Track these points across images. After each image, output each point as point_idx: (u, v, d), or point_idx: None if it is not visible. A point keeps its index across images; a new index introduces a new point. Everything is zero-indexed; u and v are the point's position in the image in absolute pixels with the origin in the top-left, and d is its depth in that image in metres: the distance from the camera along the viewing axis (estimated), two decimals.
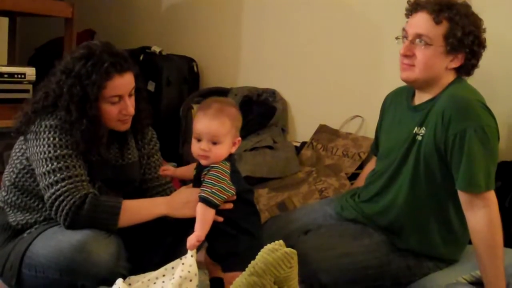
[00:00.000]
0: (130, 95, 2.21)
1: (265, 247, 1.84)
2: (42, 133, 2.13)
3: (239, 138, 2.16)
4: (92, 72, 2.10)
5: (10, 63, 3.70)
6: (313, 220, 2.54)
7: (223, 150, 2.09)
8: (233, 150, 2.15)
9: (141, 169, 2.40)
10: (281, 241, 1.87)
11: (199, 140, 2.09)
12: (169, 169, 2.37)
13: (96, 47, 2.17)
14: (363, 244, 2.34)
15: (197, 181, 2.15)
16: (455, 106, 2.18)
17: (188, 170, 2.29)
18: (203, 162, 2.11)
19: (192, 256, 1.96)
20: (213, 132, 2.07)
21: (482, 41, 2.28)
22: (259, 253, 1.83)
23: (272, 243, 1.85)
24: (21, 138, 2.23)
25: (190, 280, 1.92)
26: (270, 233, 2.48)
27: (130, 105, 2.20)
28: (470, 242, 2.24)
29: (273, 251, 1.82)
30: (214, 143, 2.07)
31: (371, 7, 3.35)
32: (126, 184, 2.33)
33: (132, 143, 2.36)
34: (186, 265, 1.94)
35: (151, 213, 2.14)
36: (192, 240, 1.98)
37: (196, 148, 2.10)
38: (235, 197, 2.11)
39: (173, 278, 1.93)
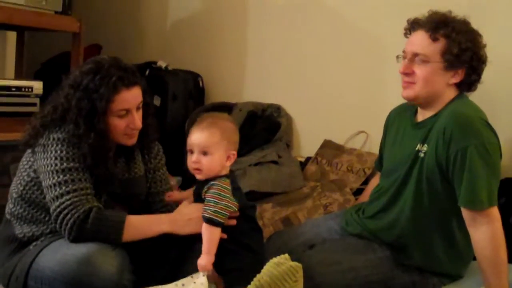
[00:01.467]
0: (137, 109, 2.23)
1: (270, 260, 1.85)
2: (50, 146, 2.14)
3: (234, 153, 2.17)
4: (100, 86, 2.12)
5: (18, 76, 3.73)
6: (318, 235, 2.54)
7: (213, 162, 2.11)
8: (228, 164, 2.16)
9: (147, 183, 2.41)
10: (286, 255, 1.87)
11: (191, 152, 2.13)
12: (174, 195, 2.38)
13: (104, 61, 2.19)
14: (367, 259, 2.34)
15: (197, 197, 2.17)
16: (456, 123, 2.19)
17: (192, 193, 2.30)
18: (198, 176, 2.13)
19: (204, 275, 1.98)
20: (202, 143, 2.10)
21: (481, 56, 2.29)
22: (265, 267, 1.84)
23: (278, 256, 1.85)
24: (29, 151, 2.25)
25: None
26: (275, 247, 2.49)
27: (137, 119, 2.22)
28: (475, 258, 2.24)
29: (279, 265, 1.83)
30: (204, 154, 2.10)
31: (376, 24, 3.36)
32: (132, 198, 2.34)
33: (139, 157, 2.37)
34: (198, 284, 1.95)
35: (155, 230, 2.14)
36: (203, 266, 2.00)
37: (189, 161, 2.14)
38: (238, 213, 2.11)
39: None
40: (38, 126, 2.20)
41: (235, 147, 2.18)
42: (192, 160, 2.12)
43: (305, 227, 2.67)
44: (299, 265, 1.85)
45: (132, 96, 2.19)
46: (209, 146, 2.10)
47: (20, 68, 3.89)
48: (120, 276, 2.03)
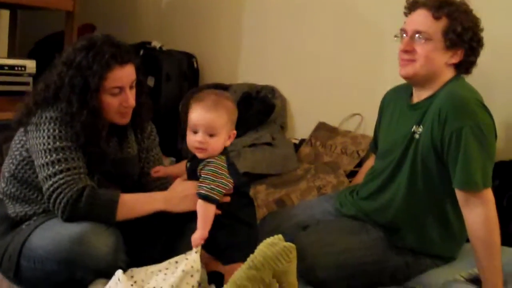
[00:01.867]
0: (131, 87, 2.21)
1: (264, 241, 1.85)
2: (43, 125, 2.13)
3: (234, 132, 2.16)
4: (93, 63, 2.11)
5: (11, 55, 3.70)
6: (312, 216, 2.54)
7: (219, 143, 2.10)
8: (228, 143, 2.15)
9: (140, 163, 2.40)
10: (280, 236, 1.87)
11: (195, 132, 2.10)
12: (159, 170, 2.35)
13: (97, 38, 2.18)
14: (361, 240, 2.35)
15: (191, 174, 2.15)
16: (452, 104, 2.19)
17: (180, 168, 2.29)
18: (200, 155, 2.10)
19: (196, 252, 1.97)
20: (210, 123, 2.07)
21: (480, 38, 2.30)
22: (258, 247, 1.84)
23: (271, 237, 1.85)
24: (21, 129, 2.23)
25: (192, 276, 1.93)
26: (268, 229, 2.49)
27: (130, 97, 2.20)
28: (468, 240, 2.25)
29: (272, 245, 1.83)
30: (211, 135, 2.08)
31: (371, 5, 3.35)
32: (125, 178, 2.33)
33: (132, 137, 2.36)
34: (190, 260, 1.95)
35: (149, 208, 2.14)
36: (196, 239, 1.99)
37: (192, 140, 2.10)
38: (232, 191, 2.11)
39: (176, 271, 1.94)
40: (30, 104, 2.19)
41: (234, 126, 2.17)
42: (197, 140, 2.08)
43: (299, 209, 2.67)
44: (293, 245, 1.85)
45: (125, 74, 2.18)
46: (217, 128, 2.08)
47: (13, 47, 3.86)
48: (114, 255, 2.03)
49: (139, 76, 2.26)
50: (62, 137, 2.12)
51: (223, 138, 2.10)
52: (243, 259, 1.90)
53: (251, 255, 1.83)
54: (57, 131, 2.12)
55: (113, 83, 2.15)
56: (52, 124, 2.12)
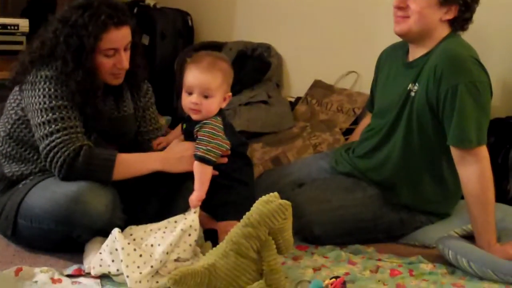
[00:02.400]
0: (125, 49, 2.19)
1: (260, 198, 1.86)
2: (38, 84, 2.11)
3: (230, 94, 2.16)
4: (89, 23, 2.08)
5: (3, 14, 3.65)
6: (307, 174, 2.56)
7: (214, 105, 2.10)
8: (224, 105, 2.15)
9: (136, 122, 2.39)
10: (275, 193, 1.88)
11: (190, 93, 2.10)
12: (162, 141, 2.34)
13: None
14: (356, 197, 2.37)
15: (187, 135, 2.16)
16: (447, 61, 2.19)
17: (178, 133, 2.29)
18: (194, 116, 2.11)
19: (195, 212, 1.99)
20: (205, 85, 2.07)
21: None
22: (254, 205, 1.85)
23: (267, 195, 1.86)
24: (16, 88, 2.22)
25: (189, 234, 1.96)
26: (264, 186, 2.50)
27: (125, 59, 2.18)
28: (463, 197, 2.26)
29: (268, 203, 1.84)
30: (206, 97, 2.08)
31: None
32: (121, 136, 2.33)
33: (128, 96, 2.35)
34: (189, 219, 1.97)
35: (145, 168, 2.14)
36: (194, 200, 2.01)
37: (187, 101, 2.11)
38: (229, 152, 2.11)
39: (175, 230, 1.95)
40: (26, 62, 2.17)
41: (230, 88, 2.17)
42: (192, 101, 2.09)
43: (295, 166, 2.68)
44: (288, 203, 1.86)
45: (121, 36, 2.15)
46: (211, 89, 2.08)
47: (6, 5, 3.81)
48: (111, 214, 2.04)
49: (134, 37, 2.23)
50: (58, 96, 2.10)
51: (218, 100, 2.10)
52: (237, 216, 1.92)
53: (247, 213, 1.84)
54: (52, 90, 2.10)
55: (108, 45, 2.12)
56: (48, 83, 2.11)
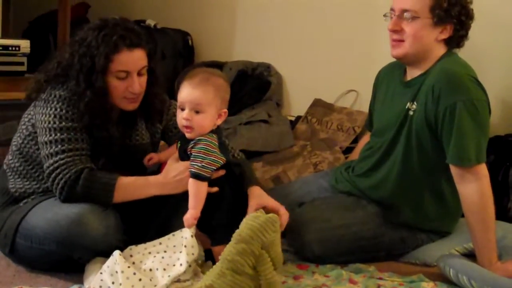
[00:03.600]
0: (139, 74, 2.15)
1: (246, 217, 1.87)
2: (51, 102, 2.12)
3: (225, 110, 2.11)
4: (102, 43, 2.07)
5: (4, 35, 3.68)
6: (308, 193, 2.56)
7: (206, 121, 2.05)
8: (219, 122, 2.11)
9: (153, 151, 2.36)
10: (261, 209, 1.91)
11: (182, 109, 2.07)
12: (153, 157, 2.32)
13: (111, 19, 2.14)
14: (357, 216, 2.36)
15: (182, 154, 2.12)
16: (445, 80, 2.19)
17: (172, 151, 2.26)
18: (188, 135, 2.07)
19: (192, 236, 1.97)
20: (195, 100, 2.03)
21: (469, 11, 2.29)
22: (243, 221, 1.86)
23: (252, 213, 1.88)
24: (32, 104, 2.23)
25: (189, 265, 1.95)
26: None
27: (137, 83, 2.13)
28: (463, 215, 2.26)
29: (256, 217, 1.85)
30: (197, 112, 2.04)
31: None
32: (133, 164, 2.30)
33: (142, 126, 2.31)
34: (189, 247, 1.95)
35: (145, 193, 2.13)
36: (189, 219, 1.98)
37: (179, 118, 2.08)
38: (224, 171, 2.10)
39: (178, 260, 1.94)
40: (41, 81, 2.18)
41: (227, 105, 2.12)
42: (183, 117, 2.05)
43: (295, 185, 2.68)
44: (276, 215, 1.88)
45: (132, 58, 2.12)
46: (202, 104, 2.04)
47: (7, 27, 3.83)
48: (112, 236, 2.04)
49: (151, 63, 2.20)
50: (68, 118, 2.10)
51: (210, 115, 2.06)
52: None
53: (237, 231, 1.84)
54: (64, 111, 2.11)
55: (120, 67, 2.10)
56: (60, 103, 2.11)
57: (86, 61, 2.10)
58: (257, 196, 2.14)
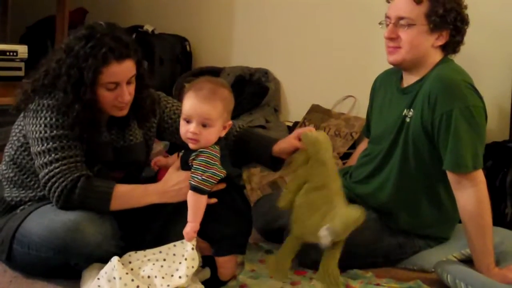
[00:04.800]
0: (129, 83, 2.14)
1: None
2: (40, 112, 2.11)
3: (230, 122, 2.09)
4: (90, 56, 2.04)
5: (2, 41, 3.68)
6: None
7: (213, 134, 2.02)
8: (223, 134, 2.08)
9: (146, 150, 2.36)
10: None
11: (188, 122, 2.01)
12: (160, 160, 2.31)
13: (99, 28, 2.10)
14: None
15: (184, 164, 2.09)
16: (441, 87, 2.20)
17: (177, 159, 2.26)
18: (192, 146, 2.03)
19: (193, 248, 1.96)
20: (205, 115, 1.98)
21: (465, 17, 2.30)
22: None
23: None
24: (21, 115, 2.22)
25: (192, 267, 1.95)
26: (262, 211, 2.51)
27: (126, 93, 2.12)
28: (461, 221, 2.26)
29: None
30: (204, 126, 2.00)
31: None
32: (129, 165, 2.30)
33: (135, 125, 2.30)
34: (189, 260, 1.94)
35: (143, 201, 2.12)
36: (189, 233, 1.97)
37: (184, 130, 2.02)
38: (225, 185, 2.08)
39: (177, 271, 1.94)
40: (29, 91, 2.16)
41: (231, 116, 2.09)
42: (190, 131, 1.99)
43: None
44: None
45: (121, 70, 2.09)
46: (211, 119, 1.99)
47: (5, 32, 3.84)
48: (109, 243, 2.04)
49: (139, 70, 2.18)
50: (59, 126, 2.09)
51: (218, 129, 2.02)
52: (235, 252, 1.96)
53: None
54: (54, 119, 2.09)
55: (109, 79, 2.08)
56: (49, 112, 2.10)
57: (73, 72, 2.07)
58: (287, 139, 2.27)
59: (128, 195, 2.12)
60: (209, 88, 2.02)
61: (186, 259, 1.95)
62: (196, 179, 1.99)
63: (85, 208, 2.05)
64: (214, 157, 2.01)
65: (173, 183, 2.11)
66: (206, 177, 1.98)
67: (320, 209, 1.99)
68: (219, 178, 2.01)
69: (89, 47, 2.05)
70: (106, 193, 2.07)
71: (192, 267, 1.94)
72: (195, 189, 1.99)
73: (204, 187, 1.98)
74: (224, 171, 2.02)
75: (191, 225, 1.98)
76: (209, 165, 1.99)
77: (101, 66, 2.05)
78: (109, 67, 2.06)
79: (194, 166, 2.01)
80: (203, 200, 2.00)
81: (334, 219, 1.94)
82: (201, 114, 1.99)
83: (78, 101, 2.07)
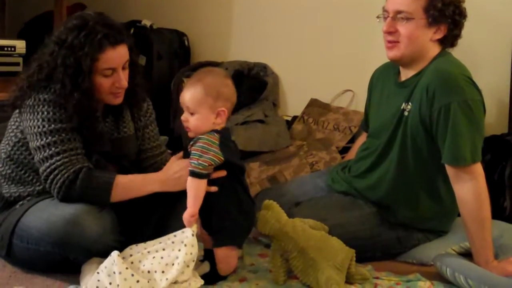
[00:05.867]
0: (123, 68, 2.17)
1: None
2: (37, 107, 2.11)
3: (223, 109, 2.08)
4: (85, 44, 2.07)
5: (0, 36, 3.68)
6: (304, 193, 2.56)
7: (199, 121, 2.06)
8: (219, 121, 2.08)
9: (137, 142, 2.37)
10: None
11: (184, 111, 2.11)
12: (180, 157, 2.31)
13: (89, 17, 2.13)
14: (353, 215, 2.36)
15: (185, 151, 2.14)
16: (439, 80, 2.20)
17: None
18: (189, 134, 2.11)
19: (193, 235, 1.96)
20: (185, 102, 2.07)
21: (463, 10, 2.30)
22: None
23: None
24: (17, 111, 2.22)
25: (188, 266, 1.94)
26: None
27: (123, 78, 2.16)
28: (459, 214, 2.26)
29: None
30: (192, 113, 2.07)
31: None
32: (122, 157, 2.31)
33: (128, 116, 2.33)
34: (188, 246, 1.94)
35: (144, 190, 2.13)
36: (187, 218, 1.99)
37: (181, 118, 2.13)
38: (225, 173, 2.09)
39: (177, 258, 1.93)
40: (24, 87, 2.16)
41: (225, 104, 2.08)
42: (181, 118, 2.10)
43: (292, 185, 2.68)
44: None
45: (118, 55, 2.14)
46: (193, 106, 2.06)
47: (3, 27, 3.84)
48: (108, 237, 2.04)
49: (132, 56, 2.22)
50: (57, 120, 2.10)
51: (204, 116, 2.06)
52: (233, 243, 1.99)
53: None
54: (51, 113, 2.10)
55: (106, 65, 2.11)
56: (46, 107, 2.10)
57: (70, 63, 2.08)
58: None
59: (129, 184, 2.13)
60: (195, 77, 2.11)
61: (185, 245, 1.94)
62: (193, 164, 2.02)
63: (86, 199, 2.06)
64: (211, 143, 2.03)
65: (173, 171, 2.13)
66: (202, 161, 2.01)
67: (309, 275, 2.08)
68: (215, 163, 2.03)
69: (83, 36, 2.08)
70: (107, 183, 2.08)
71: (191, 253, 1.93)
72: (192, 173, 2.01)
73: (200, 171, 2.00)
74: (222, 158, 2.04)
75: (189, 210, 2.00)
76: (205, 150, 2.02)
77: (97, 52, 2.08)
78: (105, 53, 2.10)
79: (192, 152, 2.05)
80: (202, 185, 2.02)
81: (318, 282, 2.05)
82: (183, 102, 2.09)
83: (76, 90, 2.09)
